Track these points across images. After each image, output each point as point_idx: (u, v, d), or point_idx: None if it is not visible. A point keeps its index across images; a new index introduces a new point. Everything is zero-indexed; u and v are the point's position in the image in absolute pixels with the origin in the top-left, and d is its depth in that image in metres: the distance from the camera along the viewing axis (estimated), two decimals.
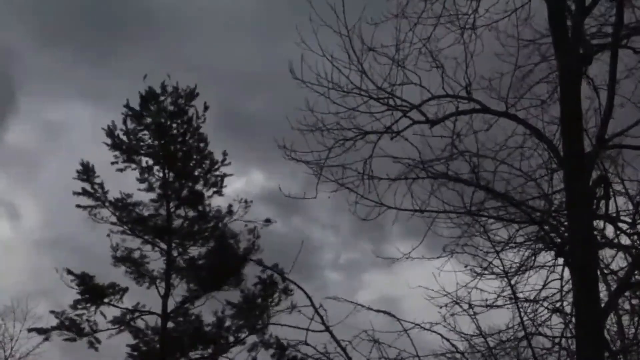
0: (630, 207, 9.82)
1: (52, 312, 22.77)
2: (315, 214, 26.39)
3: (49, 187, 39.60)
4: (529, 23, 9.32)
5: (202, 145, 24.10)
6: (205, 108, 24.20)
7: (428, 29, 9.30)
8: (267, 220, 23.77)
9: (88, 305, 22.78)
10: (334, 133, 9.15)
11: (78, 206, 23.28)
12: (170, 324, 22.98)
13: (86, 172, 23.44)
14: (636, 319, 10.29)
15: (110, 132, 23.72)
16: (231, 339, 23.03)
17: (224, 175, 24.16)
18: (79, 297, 22.79)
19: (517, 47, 9.23)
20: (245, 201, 23.85)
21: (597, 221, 9.48)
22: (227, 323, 23.00)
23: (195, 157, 24.08)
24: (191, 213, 23.85)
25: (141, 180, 23.78)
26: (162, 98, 24.04)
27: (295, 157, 9.23)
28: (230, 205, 23.83)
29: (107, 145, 23.62)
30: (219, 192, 24.06)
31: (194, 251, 23.61)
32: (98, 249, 31.22)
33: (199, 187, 23.96)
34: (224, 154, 24.21)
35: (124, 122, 23.78)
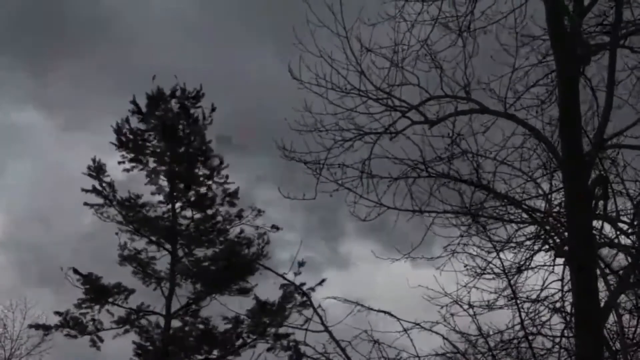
0: (630, 207, 9.80)
1: (56, 312, 22.92)
2: (269, 213, 26.42)
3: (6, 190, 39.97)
4: (527, 24, 9.30)
5: (206, 147, 24.12)
6: (213, 109, 24.24)
7: (426, 29, 9.32)
8: (275, 227, 23.84)
9: (92, 304, 22.91)
10: (332, 133, 9.18)
11: (86, 204, 23.45)
12: (177, 324, 23.11)
13: (97, 170, 23.52)
14: (636, 319, 10.28)
15: (118, 131, 23.80)
16: (239, 342, 23.11)
17: (235, 192, 24.13)
18: (82, 296, 22.96)
19: (515, 47, 9.26)
20: (258, 210, 23.96)
21: (597, 221, 9.47)
22: (242, 326, 23.09)
23: (200, 158, 24.11)
24: (197, 215, 23.96)
25: (149, 182, 23.91)
26: (169, 99, 24.10)
27: (294, 157, 9.26)
28: (241, 210, 23.92)
29: (115, 144, 23.76)
30: (231, 203, 24.10)
31: (200, 253, 23.73)
32: (53, 250, 31.71)
33: (204, 189, 24.04)
34: (220, 160, 24.18)
35: (127, 121, 23.85)
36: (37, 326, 23.44)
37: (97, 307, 22.89)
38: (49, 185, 38.23)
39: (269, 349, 22.54)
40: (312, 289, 22.08)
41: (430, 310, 9.91)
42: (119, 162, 23.70)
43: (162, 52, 37.26)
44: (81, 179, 23.39)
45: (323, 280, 22.76)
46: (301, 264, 20.99)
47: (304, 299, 21.95)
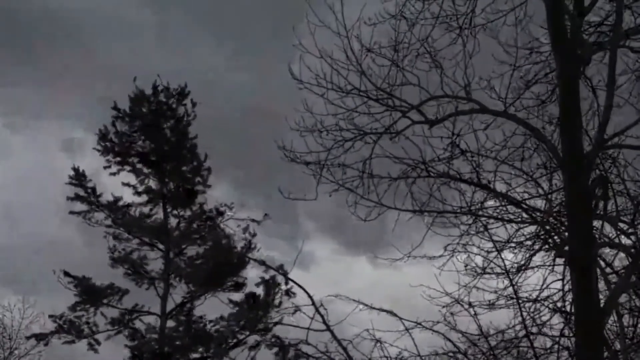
0: (630, 207, 9.80)
1: (50, 316, 22.85)
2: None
3: None
4: (527, 23, 9.31)
5: (190, 143, 24.13)
6: (194, 104, 24.24)
7: (426, 28, 9.32)
8: (266, 215, 23.81)
9: (87, 307, 22.86)
10: (333, 134, 9.17)
11: (72, 212, 23.42)
12: (171, 324, 23.09)
13: (78, 177, 23.51)
14: (636, 319, 10.28)
15: (103, 136, 23.76)
16: (232, 340, 23.08)
17: (209, 171, 24.19)
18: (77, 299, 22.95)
19: (515, 46, 9.27)
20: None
21: (597, 221, 9.47)
22: (231, 323, 23.08)
23: (186, 155, 24.09)
24: (187, 213, 23.97)
25: (138, 182, 23.96)
26: (152, 99, 24.12)
27: (295, 157, 9.26)
28: (223, 204, 23.95)
29: (99, 150, 23.75)
30: (203, 191, 24.15)
31: (192, 251, 23.76)
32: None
33: (189, 186, 24.05)
34: (205, 155, 24.21)
35: (113, 124, 23.85)
36: (34, 336, 23.32)
37: (91, 309, 22.84)
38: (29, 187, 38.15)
39: (251, 347, 22.49)
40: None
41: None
42: (105, 167, 23.76)
43: (157, 53, 37.23)
44: (58, 180, 23.46)
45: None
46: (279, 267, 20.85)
47: (289, 285, 22.01)
